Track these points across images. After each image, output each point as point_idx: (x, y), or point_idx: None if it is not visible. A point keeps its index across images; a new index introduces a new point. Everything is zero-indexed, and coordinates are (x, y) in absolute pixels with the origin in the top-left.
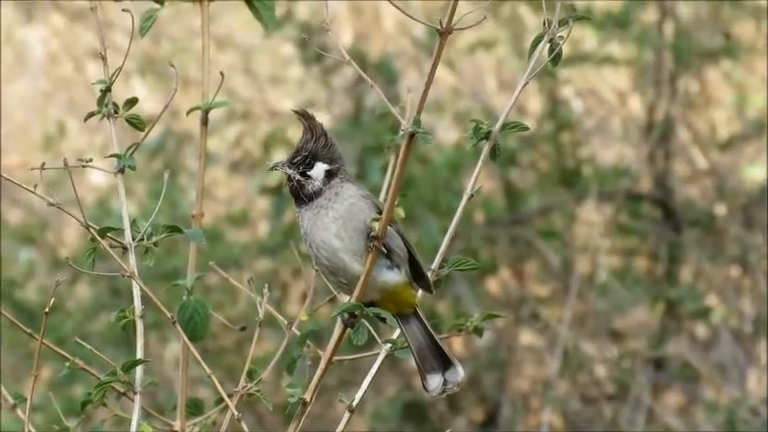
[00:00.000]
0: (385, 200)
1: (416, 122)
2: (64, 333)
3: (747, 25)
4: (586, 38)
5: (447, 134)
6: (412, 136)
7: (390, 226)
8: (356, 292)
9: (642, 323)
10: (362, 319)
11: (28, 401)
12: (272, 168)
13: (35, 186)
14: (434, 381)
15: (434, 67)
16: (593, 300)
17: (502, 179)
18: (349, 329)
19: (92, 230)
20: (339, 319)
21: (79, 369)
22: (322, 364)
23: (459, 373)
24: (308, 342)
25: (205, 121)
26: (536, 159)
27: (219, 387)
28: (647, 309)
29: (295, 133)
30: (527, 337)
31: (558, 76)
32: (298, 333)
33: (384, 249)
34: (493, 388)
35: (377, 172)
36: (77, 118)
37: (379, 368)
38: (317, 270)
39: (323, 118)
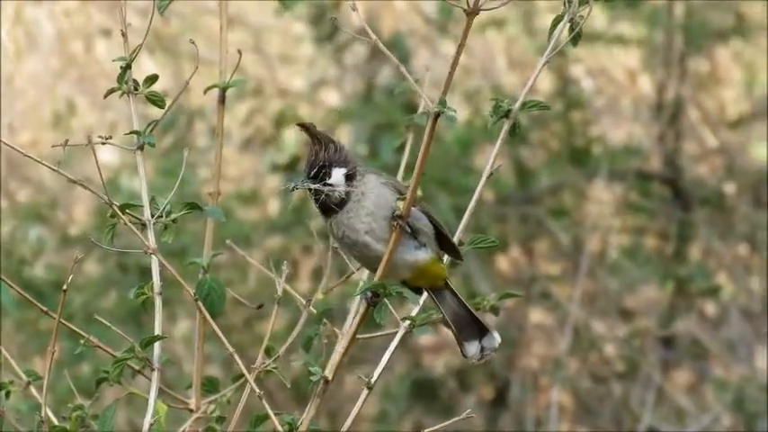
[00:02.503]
0: (404, 179)
1: (442, 102)
2: (72, 310)
3: (757, 5)
4: (597, 17)
5: (457, 112)
6: (437, 116)
7: (414, 206)
8: (380, 271)
9: (652, 301)
10: (384, 299)
11: (45, 379)
12: (292, 189)
13: (58, 164)
14: (472, 348)
15: (461, 47)
16: (604, 278)
17: (512, 158)
18: (372, 307)
19: (114, 207)
20: (362, 298)
21: (94, 347)
22: (344, 342)
23: (496, 338)
24: (324, 320)
25: (223, 100)
26: (546, 138)
27: (240, 363)
28: (657, 287)
29: (305, 111)
30: (537, 315)
31: (568, 56)
32: (314, 311)
33: (408, 228)
34: (502, 366)
35: (388, 150)
36: (87, 96)
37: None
38: (335, 247)
39: (334, 96)
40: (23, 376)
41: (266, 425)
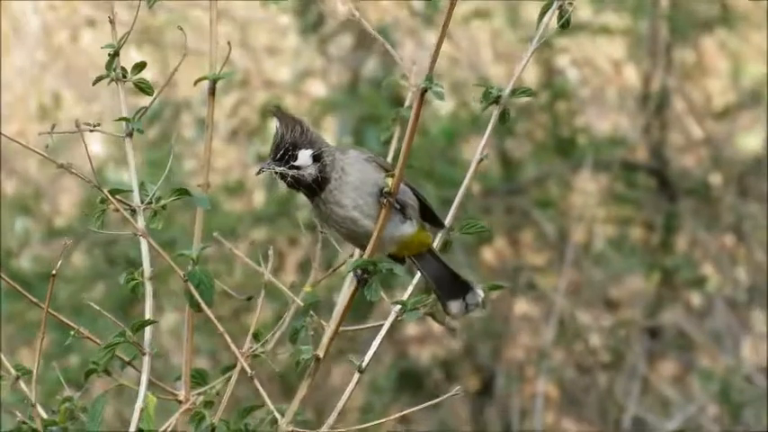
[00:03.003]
0: (394, 158)
1: (429, 79)
2: (60, 303)
3: None
4: (582, 7)
5: (443, 103)
6: (424, 92)
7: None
8: (369, 249)
9: (637, 292)
10: (375, 276)
11: (34, 370)
12: (259, 172)
13: (46, 147)
14: (455, 305)
15: (445, 26)
16: (589, 269)
17: (498, 149)
18: (363, 285)
19: (104, 192)
20: (352, 276)
21: (84, 338)
22: (335, 319)
23: (479, 294)
24: (311, 312)
25: (213, 92)
26: (532, 129)
27: (232, 344)
28: (643, 278)
29: (291, 103)
30: (522, 306)
31: (554, 47)
32: (301, 303)
33: (397, 206)
34: (488, 357)
35: (374, 141)
36: (73, 88)
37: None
38: (323, 232)
39: (319, 87)
40: (12, 370)
41: (254, 416)
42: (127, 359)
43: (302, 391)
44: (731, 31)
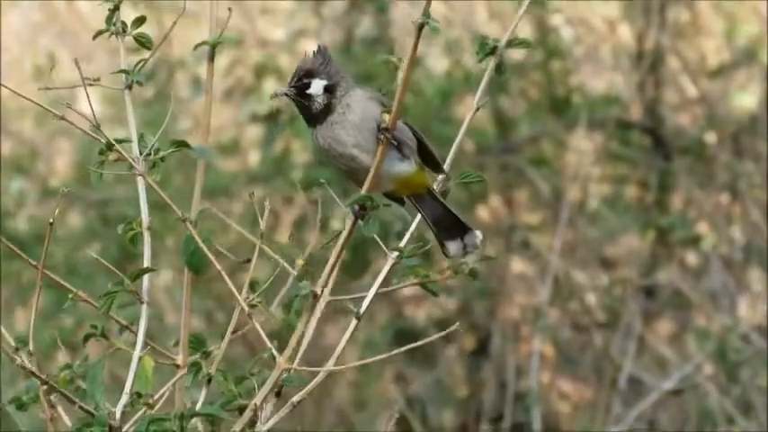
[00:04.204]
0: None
1: (426, 14)
2: (54, 263)
3: None
4: None
5: (438, 63)
6: (421, 27)
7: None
8: (367, 183)
9: (633, 251)
10: (372, 212)
11: (30, 334)
12: (272, 96)
13: (46, 89)
14: (453, 246)
15: None
16: (584, 227)
17: (492, 107)
18: (360, 220)
19: (106, 137)
20: (350, 212)
21: (81, 300)
22: (335, 254)
23: (478, 236)
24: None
25: (212, 57)
26: (526, 87)
27: (234, 290)
28: (638, 236)
29: (285, 61)
30: (518, 265)
31: (547, 5)
32: (294, 272)
33: (394, 141)
34: (483, 316)
35: None
36: (69, 49)
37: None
38: (321, 161)
39: (313, 47)
40: (11, 341)
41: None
42: (125, 323)
43: (300, 328)
44: None
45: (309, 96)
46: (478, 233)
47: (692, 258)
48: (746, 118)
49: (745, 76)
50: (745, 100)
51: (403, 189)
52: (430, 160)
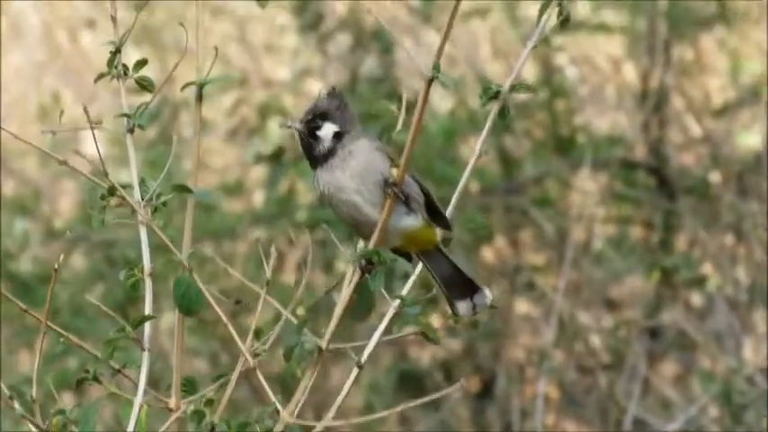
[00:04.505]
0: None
1: (436, 68)
2: (59, 304)
3: None
4: (580, 5)
5: (442, 102)
6: (431, 81)
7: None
8: (374, 238)
9: (637, 292)
10: (379, 267)
11: (33, 377)
12: (282, 126)
13: (51, 133)
14: (463, 306)
15: (452, 19)
16: (589, 268)
17: (497, 147)
18: (367, 275)
19: (110, 181)
20: (356, 267)
21: (75, 345)
22: (338, 309)
23: (488, 295)
24: (305, 331)
25: (200, 97)
26: (531, 127)
27: (237, 338)
28: (643, 277)
29: (290, 101)
30: (522, 306)
31: (552, 44)
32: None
33: (402, 196)
34: (488, 358)
35: None
36: (72, 89)
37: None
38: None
39: (317, 85)
40: (5, 390)
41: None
42: (118, 366)
43: (305, 380)
44: (730, 29)
45: (317, 137)
46: (488, 293)
47: (696, 299)
48: (751, 157)
49: (750, 115)
50: (749, 139)
51: (410, 245)
52: (437, 216)
